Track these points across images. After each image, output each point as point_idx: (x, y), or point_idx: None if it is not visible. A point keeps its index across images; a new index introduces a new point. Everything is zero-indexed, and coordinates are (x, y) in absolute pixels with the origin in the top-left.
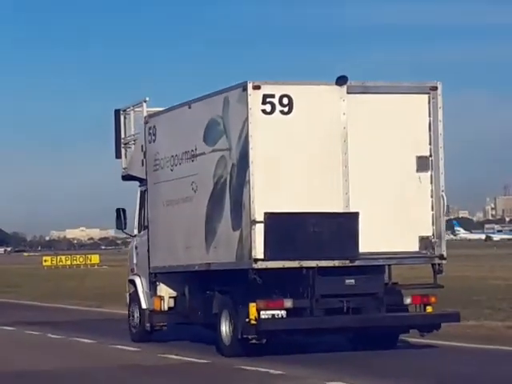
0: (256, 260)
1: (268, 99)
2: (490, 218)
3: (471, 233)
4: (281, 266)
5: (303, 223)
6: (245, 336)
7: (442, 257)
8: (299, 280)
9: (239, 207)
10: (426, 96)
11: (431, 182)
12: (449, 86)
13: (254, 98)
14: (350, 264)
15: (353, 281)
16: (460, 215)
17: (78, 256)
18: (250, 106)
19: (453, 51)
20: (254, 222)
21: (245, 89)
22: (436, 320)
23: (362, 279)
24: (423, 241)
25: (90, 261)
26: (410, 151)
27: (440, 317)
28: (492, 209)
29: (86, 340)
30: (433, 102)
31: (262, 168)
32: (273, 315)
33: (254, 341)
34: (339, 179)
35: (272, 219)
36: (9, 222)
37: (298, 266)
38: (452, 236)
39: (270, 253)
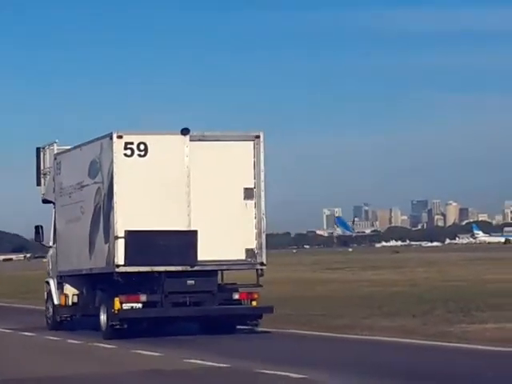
0: (118, 265)
1: (128, 145)
2: (510, 220)
3: (490, 236)
4: (137, 270)
5: (155, 238)
6: (111, 323)
7: (262, 264)
8: (152, 281)
9: (108, 226)
10: (252, 142)
11: (255, 207)
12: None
13: (118, 144)
14: (191, 269)
15: (193, 281)
16: (479, 218)
17: None
18: (114, 151)
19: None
20: (117, 238)
21: (111, 138)
22: (257, 311)
23: (200, 280)
24: (248, 251)
25: None
26: (239, 184)
27: (260, 309)
28: (511, 212)
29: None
30: (256, 147)
31: (124, 197)
32: (131, 307)
33: (117, 326)
34: (183, 205)
35: (131, 235)
36: (27, 229)
37: (150, 270)
38: (471, 239)
39: (129, 260)
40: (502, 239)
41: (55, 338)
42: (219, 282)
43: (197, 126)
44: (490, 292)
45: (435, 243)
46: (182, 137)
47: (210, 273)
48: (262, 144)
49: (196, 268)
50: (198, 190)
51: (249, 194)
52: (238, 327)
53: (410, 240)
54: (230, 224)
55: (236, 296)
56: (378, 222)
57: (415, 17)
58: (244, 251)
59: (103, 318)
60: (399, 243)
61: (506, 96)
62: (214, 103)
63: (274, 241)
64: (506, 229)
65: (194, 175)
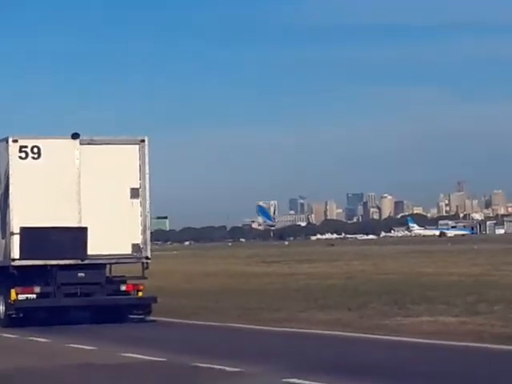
0: (14, 259)
1: (23, 149)
2: (444, 214)
3: (425, 229)
4: (31, 263)
5: (48, 234)
6: (8, 312)
7: (147, 258)
8: (46, 273)
9: (5, 223)
10: (137, 146)
11: (140, 206)
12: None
13: (13, 148)
14: (81, 262)
15: (83, 274)
16: (414, 211)
17: None
18: (10, 154)
19: None
20: (13, 234)
21: (7, 141)
22: (143, 301)
23: (90, 273)
24: (134, 246)
25: None
26: (126, 184)
27: (145, 299)
28: (446, 205)
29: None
30: (141, 150)
31: (19, 197)
32: (26, 297)
33: (14, 315)
34: (74, 204)
35: (25, 232)
36: None
37: (43, 263)
38: (406, 232)
39: (24, 254)
40: (437, 232)
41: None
42: (108, 274)
43: (89, 131)
44: (424, 285)
45: (370, 236)
46: (73, 141)
47: (99, 266)
48: (146, 147)
49: (86, 262)
50: (87, 190)
51: (135, 193)
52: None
53: (346, 233)
54: (117, 221)
55: (123, 287)
56: (313, 215)
57: (338, 9)
58: (130, 246)
59: (1, 307)
60: (334, 236)
61: (443, 90)
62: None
63: (210, 234)
64: (441, 222)
65: (84, 176)
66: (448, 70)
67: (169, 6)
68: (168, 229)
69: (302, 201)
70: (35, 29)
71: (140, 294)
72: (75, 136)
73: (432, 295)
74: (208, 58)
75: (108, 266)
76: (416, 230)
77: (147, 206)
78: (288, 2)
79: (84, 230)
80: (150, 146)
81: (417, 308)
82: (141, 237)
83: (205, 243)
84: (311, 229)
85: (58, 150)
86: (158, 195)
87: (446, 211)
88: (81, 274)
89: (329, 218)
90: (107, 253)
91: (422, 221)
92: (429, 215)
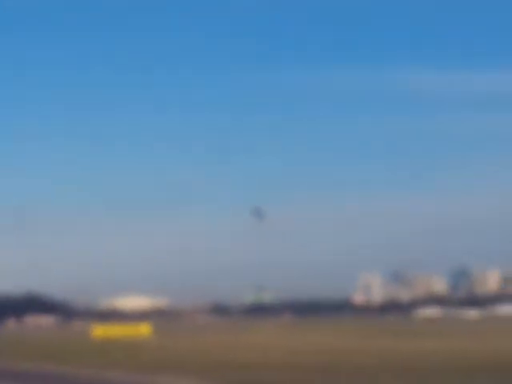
0: None
1: None
2: None
3: None
4: None
5: None
6: None
7: None
8: None
9: None
10: None
11: None
12: None
13: None
14: None
15: None
16: None
17: (128, 326)
18: None
19: None
20: None
21: None
22: None
23: None
24: None
25: (141, 331)
26: None
27: None
28: None
29: None
30: None
31: None
32: None
33: None
34: None
35: None
36: (58, 290)
37: None
38: None
39: None
40: None
41: None
42: None
43: None
44: None
45: (475, 311)
46: None
47: None
48: None
49: None
50: None
51: None
52: None
53: (450, 307)
54: None
55: None
56: (417, 289)
57: None
58: None
59: None
60: (438, 310)
61: None
62: None
63: (313, 307)
64: None
65: None
66: None
67: None
68: (269, 301)
69: (405, 274)
70: None
71: None
72: None
73: None
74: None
75: None
76: None
77: None
78: None
79: None
80: None
81: None
82: None
83: (307, 316)
84: (414, 302)
85: None
86: (258, 267)
87: None
88: None
89: (433, 291)
90: None
91: None
92: None
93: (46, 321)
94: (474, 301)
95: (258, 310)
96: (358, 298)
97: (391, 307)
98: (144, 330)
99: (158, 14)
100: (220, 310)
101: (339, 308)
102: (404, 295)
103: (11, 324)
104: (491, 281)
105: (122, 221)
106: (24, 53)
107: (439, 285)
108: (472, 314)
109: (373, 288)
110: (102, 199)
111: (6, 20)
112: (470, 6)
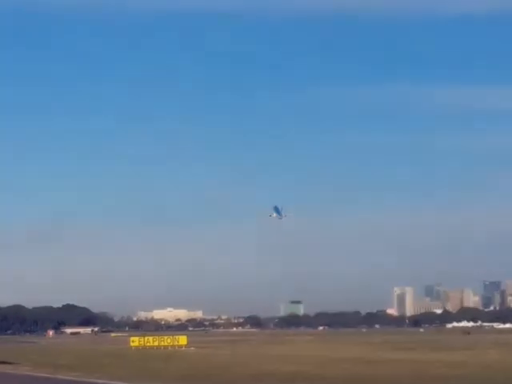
0: None
1: None
2: None
3: None
4: None
5: None
6: None
7: None
8: None
9: None
10: None
11: None
12: None
13: None
14: None
15: None
16: None
17: (165, 337)
18: None
19: None
20: None
21: None
22: None
23: None
24: None
25: (178, 342)
26: None
27: None
28: None
29: None
30: None
31: None
32: None
33: None
34: None
35: None
36: (96, 302)
37: None
38: None
39: None
40: None
41: None
42: None
43: None
44: None
45: (508, 325)
46: None
47: None
48: None
49: None
50: None
51: None
52: None
53: (482, 321)
54: None
55: None
56: (449, 303)
57: None
58: None
59: None
60: (471, 324)
61: None
62: None
63: (344, 319)
64: None
65: None
66: None
67: None
68: (302, 313)
69: (438, 288)
70: None
71: None
72: None
73: None
74: None
75: None
76: None
77: None
78: None
79: None
80: None
81: None
82: None
83: (339, 328)
84: (447, 316)
85: None
86: (293, 280)
87: None
88: None
89: (465, 305)
90: None
91: None
92: None
93: (84, 331)
94: (507, 314)
95: (293, 322)
96: (392, 311)
97: (424, 320)
98: (181, 340)
99: None
100: (255, 322)
101: (373, 320)
102: (437, 308)
103: (51, 334)
104: None
105: (160, 236)
106: None
107: (472, 298)
108: (504, 327)
109: (407, 301)
110: (140, 217)
111: None
112: None
